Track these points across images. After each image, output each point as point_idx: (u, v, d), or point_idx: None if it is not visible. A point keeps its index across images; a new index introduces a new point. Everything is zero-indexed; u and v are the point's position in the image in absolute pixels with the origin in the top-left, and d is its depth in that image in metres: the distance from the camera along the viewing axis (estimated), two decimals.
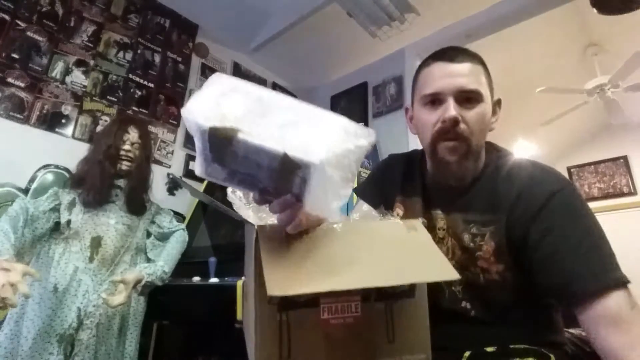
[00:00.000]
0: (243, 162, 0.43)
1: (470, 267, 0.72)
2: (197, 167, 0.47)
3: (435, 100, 0.72)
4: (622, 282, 0.59)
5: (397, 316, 0.55)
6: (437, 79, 0.72)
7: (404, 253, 0.53)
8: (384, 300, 0.55)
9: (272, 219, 0.61)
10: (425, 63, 0.76)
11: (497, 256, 0.70)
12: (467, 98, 0.70)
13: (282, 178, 0.43)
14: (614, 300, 0.57)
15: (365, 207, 0.69)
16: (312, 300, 0.51)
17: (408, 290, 0.57)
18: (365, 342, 0.53)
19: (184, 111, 0.43)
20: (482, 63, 0.75)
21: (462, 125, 0.69)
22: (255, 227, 0.50)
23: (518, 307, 0.72)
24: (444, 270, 0.51)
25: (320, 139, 0.41)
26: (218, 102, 0.43)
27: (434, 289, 0.62)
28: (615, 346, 0.56)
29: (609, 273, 0.59)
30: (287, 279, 0.45)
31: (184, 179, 2.28)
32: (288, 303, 0.50)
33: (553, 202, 0.65)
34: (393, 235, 0.55)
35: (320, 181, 0.41)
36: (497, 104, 0.79)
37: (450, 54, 0.74)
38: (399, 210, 0.82)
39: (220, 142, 0.41)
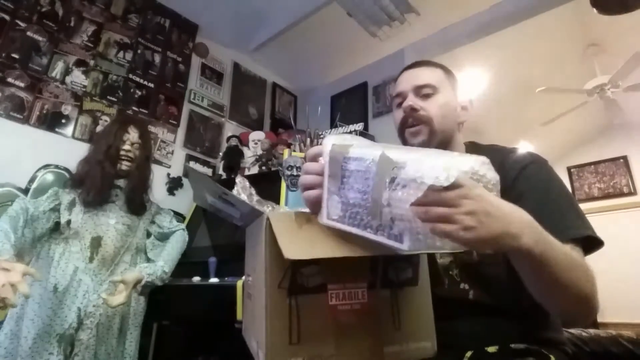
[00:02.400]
0: (354, 179, 0.50)
1: None
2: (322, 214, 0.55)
3: (401, 101, 0.86)
4: (578, 238, 0.65)
5: (402, 303, 0.57)
6: (400, 83, 0.88)
7: None
8: (389, 287, 0.56)
9: None
10: (397, 78, 0.92)
11: None
12: (424, 92, 0.83)
13: (379, 181, 0.47)
14: (576, 252, 0.63)
15: None
16: (320, 287, 0.53)
17: (412, 278, 0.59)
18: (372, 328, 0.55)
19: (324, 142, 0.55)
20: (443, 68, 0.89)
21: (422, 112, 0.82)
22: (266, 214, 0.53)
23: (512, 282, 0.72)
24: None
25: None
26: (344, 138, 0.55)
27: (434, 277, 0.63)
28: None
29: (568, 230, 0.65)
30: (302, 248, 0.49)
31: (185, 177, 2.28)
32: (297, 288, 0.52)
33: (524, 173, 0.74)
34: None
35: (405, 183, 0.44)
36: (467, 100, 0.90)
37: (412, 64, 0.90)
38: None
39: (336, 157, 0.51)
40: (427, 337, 0.57)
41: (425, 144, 0.82)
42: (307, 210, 0.61)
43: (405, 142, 0.86)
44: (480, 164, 0.45)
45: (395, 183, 0.44)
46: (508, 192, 0.74)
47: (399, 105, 0.87)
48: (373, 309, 0.54)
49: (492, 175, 0.47)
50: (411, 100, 0.83)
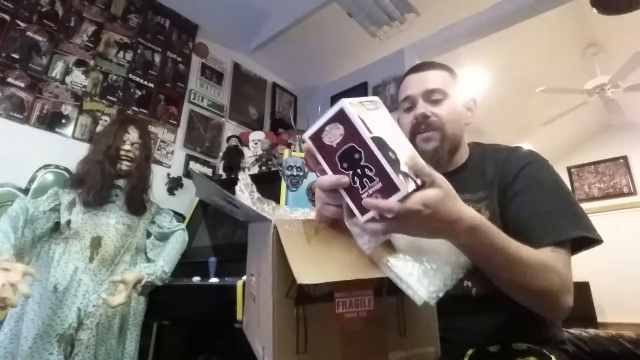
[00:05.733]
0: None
1: None
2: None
3: (410, 105, 0.87)
4: (565, 240, 0.66)
5: (407, 310, 0.57)
6: (408, 86, 0.88)
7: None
8: (395, 294, 0.56)
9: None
10: (402, 78, 0.92)
11: (492, 223, 0.74)
12: (434, 98, 0.84)
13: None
14: (554, 253, 0.65)
15: None
16: (327, 295, 0.53)
17: None
18: (378, 335, 0.55)
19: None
20: (449, 70, 0.89)
21: (433, 118, 0.83)
22: (274, 222, 0.52)
23: None
24: None
25: None
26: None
27: None
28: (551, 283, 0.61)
29: (560, 230, 0.67)
30: (313, 269, 0.48)
31: (186, 178, 2.28)
32: (304, 297, 0.52)
33: (524, 171, 0.76)
34: None
35: None
36: (471, 101, 0.92)
37: (419, 67, 0.90)
38: None
39: None
40: (431, 342, 0.57)
41: (437, 150, 0.84)
42: (309, 215, 0.60)
43: (416, 147, 0.84)
44: None
45: None
46: (507, 189, 0.76)
47: (408, 109, 0.87)
48: (379, 316, 0.54)
49: None
50: (423, 108, 0.83)
